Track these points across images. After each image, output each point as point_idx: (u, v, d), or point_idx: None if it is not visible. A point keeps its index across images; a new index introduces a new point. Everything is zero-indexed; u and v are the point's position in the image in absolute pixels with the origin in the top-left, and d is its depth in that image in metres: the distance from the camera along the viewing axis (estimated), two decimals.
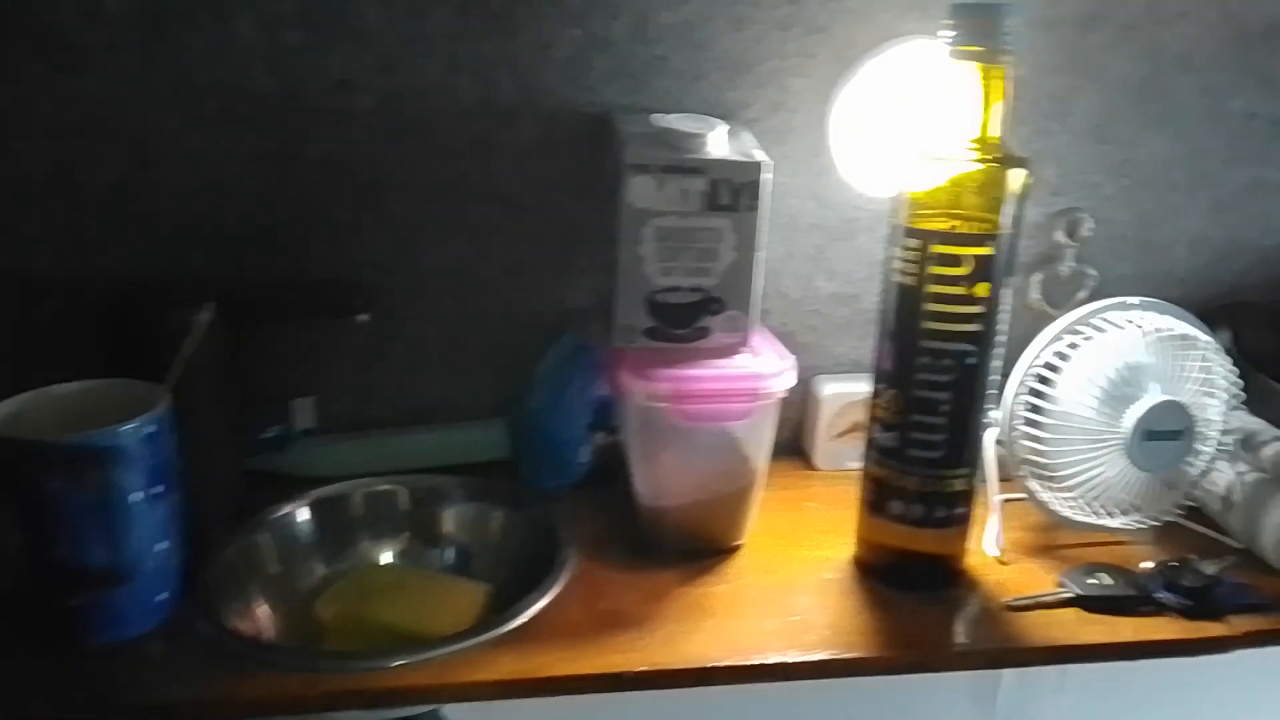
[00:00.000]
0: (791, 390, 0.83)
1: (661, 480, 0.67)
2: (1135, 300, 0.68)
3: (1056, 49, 0.72)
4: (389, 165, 0.69)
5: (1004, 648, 0.60)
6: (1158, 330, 0.66)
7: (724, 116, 0.70)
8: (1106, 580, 0.65)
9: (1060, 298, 0.81)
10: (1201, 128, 0.77)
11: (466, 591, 0.67)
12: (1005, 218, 0.57)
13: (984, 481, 0.68)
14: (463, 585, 0.68)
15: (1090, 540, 0.71)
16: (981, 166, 0.57)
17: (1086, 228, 0.79)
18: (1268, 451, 0.71)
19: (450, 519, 0.72)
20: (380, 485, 0.72)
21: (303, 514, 0.70)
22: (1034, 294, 0.80)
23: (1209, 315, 0.82)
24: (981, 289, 0.58)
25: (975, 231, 0.57)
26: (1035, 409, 0.66)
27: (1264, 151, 0.79)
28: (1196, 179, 0.79)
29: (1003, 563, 0.68)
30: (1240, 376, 0.77)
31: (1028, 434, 0.67)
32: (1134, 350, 0.66)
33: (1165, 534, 0.71)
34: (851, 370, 0.81)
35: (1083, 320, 0.67)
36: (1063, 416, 0.66)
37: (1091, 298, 0.79)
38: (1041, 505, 0.69)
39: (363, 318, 0.69)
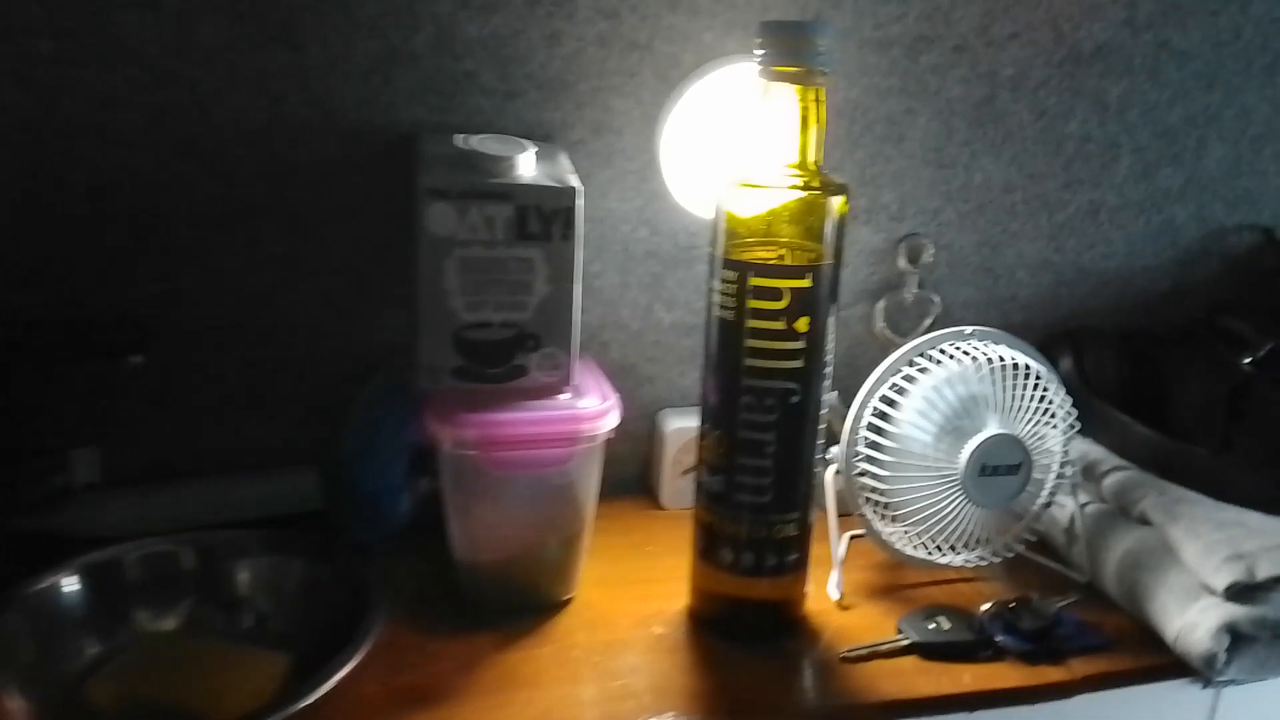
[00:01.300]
0: (637, 425, 0.79)
1: (477, 534, 0.61)
2: (969, 330, 0.66)
3: (889, 71, 0.70)
4: (166, 188, 0.62)
5: (836, 705, 0.56)
6: (990, 360, 0.64)
7: (545, 138, 0.65)
8: (945, 624, 0.62)
9: (906, 325, 0.79)
10: (1038, 151, 0.76)
11: (262, 663, 0.60)
12: (826, 247, 0.54)
13: (823, 517, 0.65)
14: (258, 656, 0.60)
15: (936, 578, 0.69)
16: (799, 194, 0.54)
17: (928, 254, 0.77)
18: (1108, 482, 0.70)
19: (245, 580, 0.64)
20: (160, 545, 0.64)
21: (69, 584, 0.61)
22: (879, 322, 0.78)
23: (1052, 341, 0.82)
24: (802, 323, 0.54)
25: (794, 263, 0.54)
26: (873, 443, 0.64)
27: (1101, 174, 0.78)
28: (1035, 203, 0.78)
29: (844, 607, 0.65)
30: (1081, 404, 0.76)
31: (866, 469, 0.64)
32: (969, 381, 0.64)
33: (1013, 568, 0.69)
34: (698, 404, 0.77)
35: (917, 351, 0.65)
36: (901, 451, 0.63)
37: (936, 325, 0.78)
38: (883, 543, 0.66)
39: (136, 359, 0.61)
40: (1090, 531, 0.69)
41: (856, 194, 0.74)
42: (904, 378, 0.64)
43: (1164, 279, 0.85)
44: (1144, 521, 0.66)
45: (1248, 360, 0.75)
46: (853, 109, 0.70)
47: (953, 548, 0.67)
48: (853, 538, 0.69)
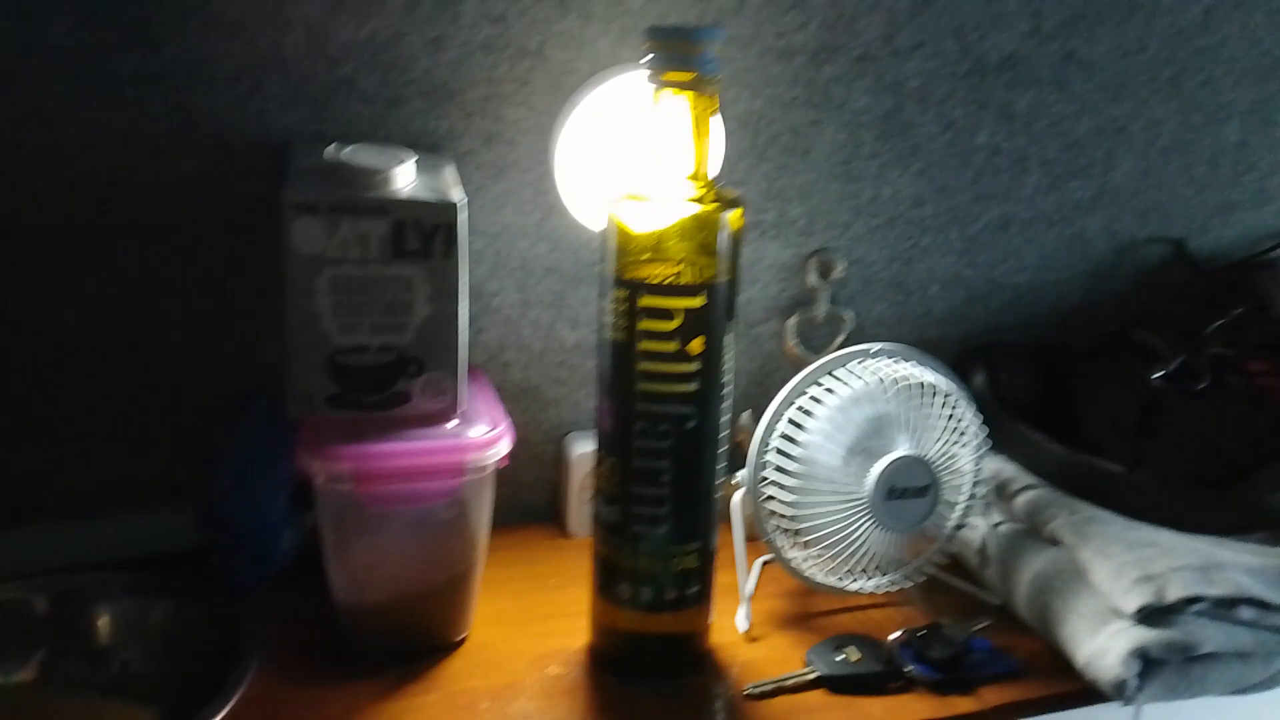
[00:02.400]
0: (543, 450, 0.75)
1: (358, 573, 0.57)
2: (875, 348, 0.64)
3: (793, 81, 0.67)
4: (14, 201, 0.57)
5: None
6: (898, 380, 0.62)
7: (430, 148, 0.61)
8: (855, 655, 0.59)
9: (819, 342, 0.77)
10: (947, 164, 0.74)
11: (127, 716, 0.55)
12: (721, 264, 0.51)
13: (730, 543, 0.62)
14: (122, 709, 0.56)
15: (850, 604, 0.67)
16: (690, 208, 0.51)
17: (839, 269, 0.75)
18: (1020, 501, 0.69)
19: (106, 626, 0.59)
20: (8, 592, 0.58)
21: None
22: (791, 339, 0.76)
23: (966, 356, 0.81)
24: (696, 344, 0.51)
25: (687, 281, 0.51)
26: (780, 466, 0.61)
27: (1010, 188, 0.77)
28: (946, 216, 0.77)
29: (752, 639, 0.62)
30: (994, 421, 0.75)
31: (774, 493, 0.61)
32: (877, 401, 0.62)
33: (930, 592, 0.67)
34: None
35: (823, 371, 0.62)
36: (807, 474, 0.61)
37: (850, 341, 0.76)
38: (792, 569, 0.64)
39: None
40: (1002, 553, 0.67)
41: (764, 208, 0.72)
42: (810, 398, 0.62)
43: (1077, 292, 0.84)
44: (1055, 542, 0.65)
45: (1158, 375, 0.75)
46: (757, 120, 0.68)
47: (864, 572, 0.65)
48: (765, 563, 0.66)
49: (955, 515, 0.66)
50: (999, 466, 0.72)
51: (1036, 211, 0.79)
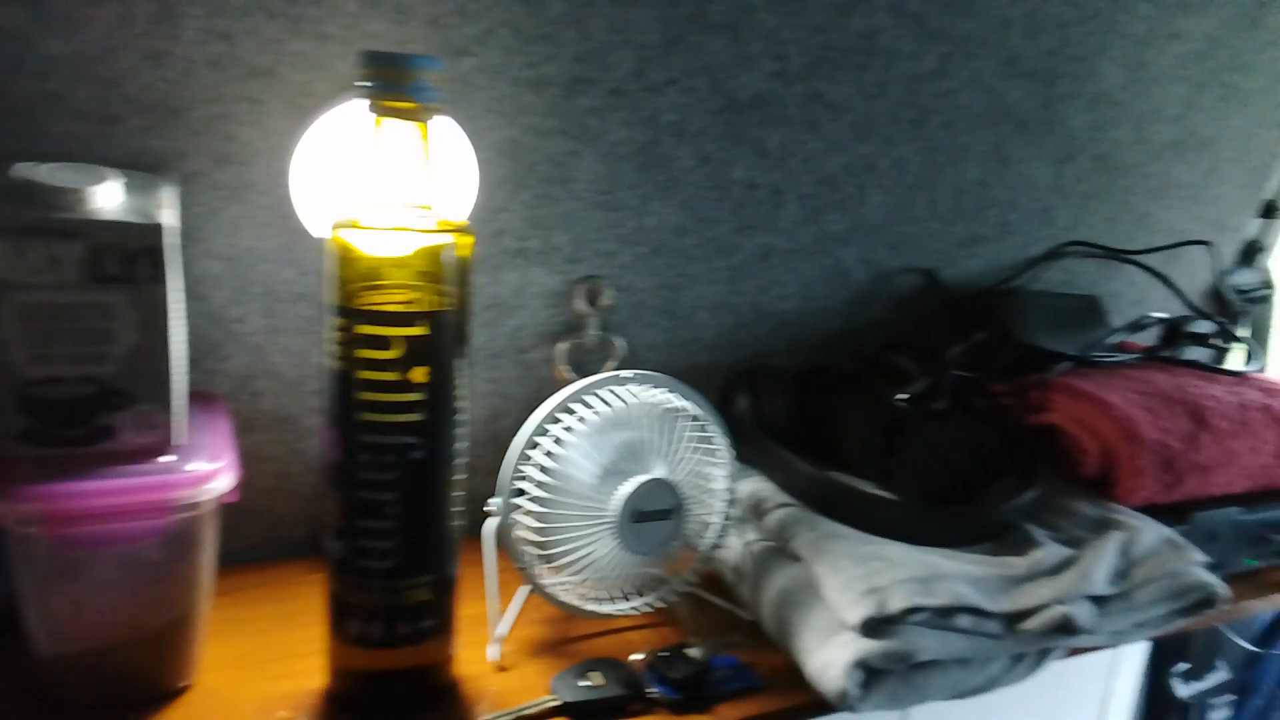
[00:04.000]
0: (303, 482, 0.72)
1: (59, 622, 0.52)
2: (628, 373, 0.65)
3: (548, 112, 0.68)
4: None
5: None
6: (647, 404, 0.63)
7: (150, 168, 0.58)
8: (599, 680, 0.60)
9: (591, 368, 0.77)
10: (707, 196, 0.77)
11: None
12: (446, 293, 0.51)
13: (481, 573, 0.62)
14: None
15: (608, 628, 0.67)
16: (409, 236, 0.50)
17: (607, 296, 0.76)
18: (770, 519, 0.71)
19: None
20: None
21: None
22: (561, 365, 0.76)
23: (731, 381, 0.83)
24: (419, 374, 0.51)
25: (406, 309, 0.50)
26: (529, 493, 0.61)
27: (769, 220, 0.81)
28: (710, 247, 0.79)
29: (503, 669, 0.62)
30: (753, 442, 0.78)
31: (524, 519, 0.61)
32: (628, 426, 0.63)
33: (694, 610, 0.68)
34: None
35: (575, 397, 0.63)
36: (555, 501, 0.61)
37: (621, 367, 0.77)
38: (547, 595, 0.64)
39: None
40: (754, 570, 0.69)
41: (528, 235, 0.72)
42: (561, 425, 0.62)
43: (838, 319, 0.89)
44: (797, 558, 0.67)
45: (902, 396, 0.79)
46: (514, 148, 0.68)
47: (620, 595, 0.66)
48: (530, 592, 0.66)
49: (710, 535, 0.68)
50: (756, 486, 0.75)
51: (796, 243, 0.83)
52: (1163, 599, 0.69)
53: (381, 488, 0.52)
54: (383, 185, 0.50)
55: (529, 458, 0.61)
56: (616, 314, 0.78)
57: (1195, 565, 0.70)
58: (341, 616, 0.54)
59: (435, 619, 0.56)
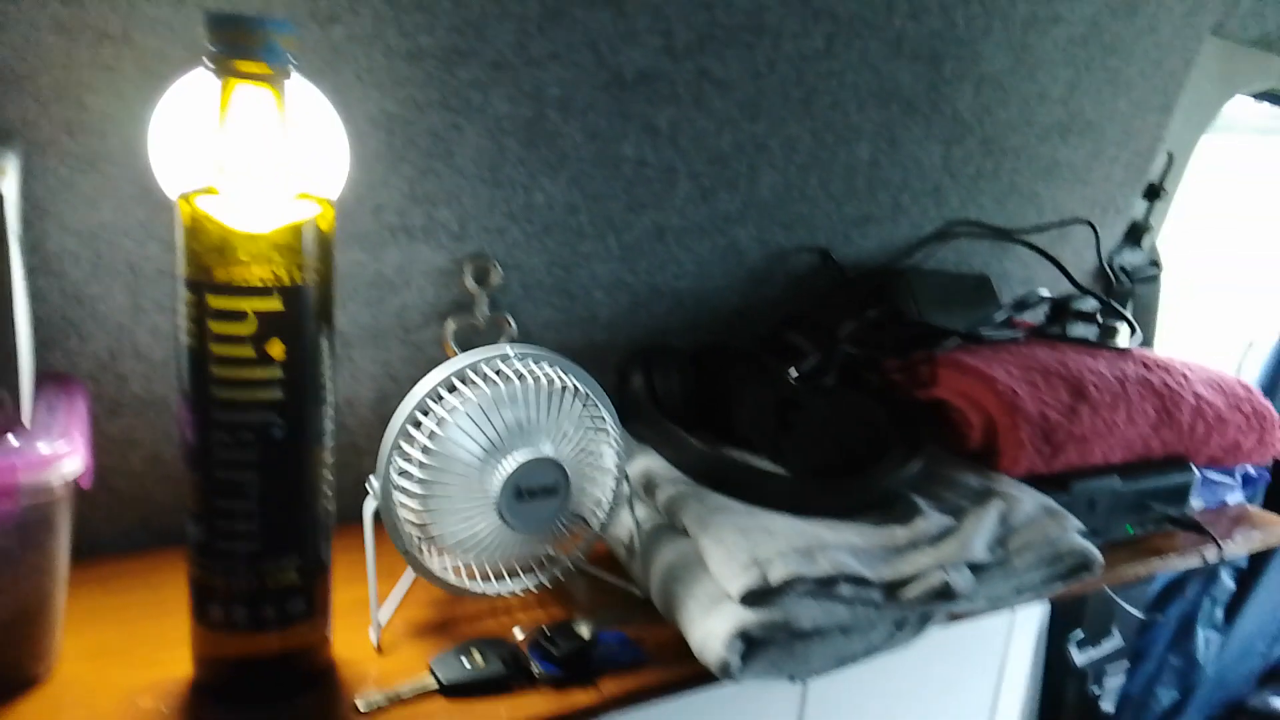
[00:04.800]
0: (177, 467, 0.70)
1: None
2: (515, 350, 0.64)
3: (426, 84, 0.67)
4: None
5: None
6: (537, 381, 0.63)
7: None
8: (480, 659, 0.59)
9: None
10: (596, 173, 0.77)
11: None
12: (304, 266, 0.49)
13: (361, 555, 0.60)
14: None
15: (499, 606, 0.66)
16: (262, 207, 0.49)
17: (496, 274, 0.75)
18: (663, 496, 0.72)
19: None
20: None
21: None
22: (450, 344, 0.75)
23: (626, 360, 0.83)
24: (277, 350, 0.49)
25: (260, 282, 0.49)
26: (409, 472, 0.60)
27: (662, 198, 0.81)
28: (602, 225, 0.79)
29: (386, 652, 0.60)
30: (649, 420, 0.78)
31: (405, 499, 0.60)
32: (512, 403, 0.62)
33: (589, 589, 0.68)
34: None
35: (456, 374, 0.62)
36: (434, 484, 0.60)
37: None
38: (432, 577, 0.63)
39: None
40: (645, 546, 0.69)
41: (409, 211, 0.70)
42: (444, 403, 0.61)
43: (735, 297, 0.89)
44: (686, 533, 0.68)
45: (794, 373, 0.80)
46: (390, 121, 0.67)
47: (512, 574, 0.65)
48: (423, 572, 0.65)
49: (600, 513, 0.68)
50: (650, 464, 0.75)
51: (689, 221, 0.83)
52: (1040, 565, 0.71)
53: (240, 467, 0.50)
54: (235, 153, 0.48)
55: (410, 435, 0.60)
56: (508, 293, 0.77)
57: (1072, 532, 0.72)
58: (204, 601, 0.53)
59: (305, 602, 0.54)
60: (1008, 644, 0.99)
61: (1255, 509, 0.97)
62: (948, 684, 0.95)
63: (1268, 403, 0.93)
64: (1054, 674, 1.33)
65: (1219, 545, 0.85)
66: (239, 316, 0.48)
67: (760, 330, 0.90)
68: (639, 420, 0.78)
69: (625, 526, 0.72)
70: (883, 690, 0.87)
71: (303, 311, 0.50)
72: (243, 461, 0.50)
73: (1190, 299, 1.58)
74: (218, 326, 0.48)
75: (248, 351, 0.48)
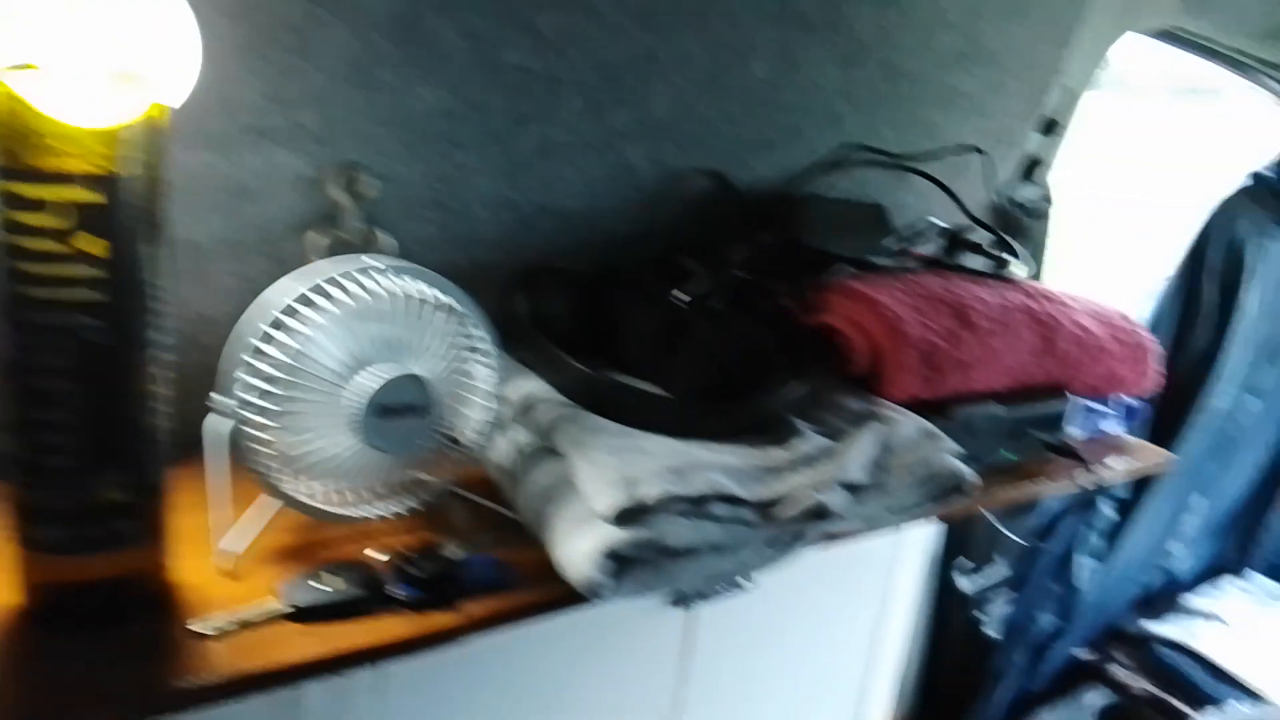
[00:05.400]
0: None
1: None
2: (382, 262, 0.61)
3: None
4: None
5: (182, 686, 0.49)
6: (406, 296, 0.60)
7: None
8: (335, 583, 0.56)
9: None
10: (477, 80, 0.72)
11: None
12: (128, 157, 0.45)
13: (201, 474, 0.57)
14: None
15: (363, 531, 0.64)
16: (85, 90, 0.44)
17: (368, 185, 0.71)
18: (541, 419, 0.70)
19: None
20: None
21: None
22: (315, 258, 0.71)
23: (511, 280, 0.80)
24: (95, 246, 0.45)
25: (74, 170, 0.44)
26: (261, 388, 0.56)
27: (548, 111, 0.77)
28: (485, 137, 0.75)
29: (238, 577, 0.57)
30: (529, 343, 0.75)
31: (258, 416, 0.56)
32: (380, 318, 0.59)
33: (461, 513, 0.66)
34: None
35: (313, 286, 0.58)
36: (291, 397, 0.56)
37: None
38: (284, 497, 0.59)
39: None
40: (521, 469, 0.68)
41: (266, 110, 0.65)
42: (297, 316, 0.57)
43: (628, 220, 0.86)
44: (561, 456, 0.66)
45: (683, 296, 0.78)
46: (245, 10, 0.61)
47: (379, 497, 0.63)
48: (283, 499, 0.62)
49: (473, 435, 0.66)
50: (530, 387, 0.72)
51: (578, 137, 0.79)
52: (915, 486, 0.71)
53: (56, 374, 0.46)
54: (58, 26, 0.43)
55: (258, 350, 0.56)
56: (384, 206, 0.73)
57: (948, 455, 0.72)
58: (25, 521, 0.49)
59: (134, 522, 0.51)
60: (892, 570, 1.01)
61: (1131, 438, 1.00)
62: (834, 610, 0.97)
63: (1148, 334, 0.96)
64: (940, 600, 1.38)
65: (1091, 470, 0.87)
66: (50, 207, 0.44)
67: (653, 254, 0.88)
68: (519, 343, 0.75)
69: (503, 451, 0.70)
70: (769, 616, 0.88)
71: (124, 207, 0.45)
72: (58, 368, 0.46)
73: (1089, 241, 1.62)
74: (25, 217, 0.44)
75: (60, 247, 0.44)
